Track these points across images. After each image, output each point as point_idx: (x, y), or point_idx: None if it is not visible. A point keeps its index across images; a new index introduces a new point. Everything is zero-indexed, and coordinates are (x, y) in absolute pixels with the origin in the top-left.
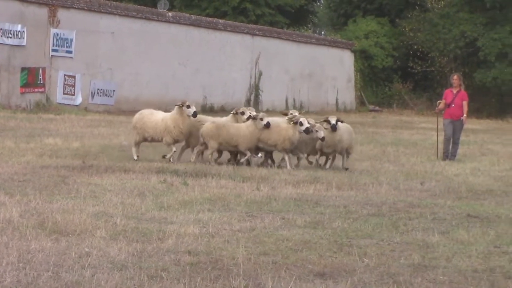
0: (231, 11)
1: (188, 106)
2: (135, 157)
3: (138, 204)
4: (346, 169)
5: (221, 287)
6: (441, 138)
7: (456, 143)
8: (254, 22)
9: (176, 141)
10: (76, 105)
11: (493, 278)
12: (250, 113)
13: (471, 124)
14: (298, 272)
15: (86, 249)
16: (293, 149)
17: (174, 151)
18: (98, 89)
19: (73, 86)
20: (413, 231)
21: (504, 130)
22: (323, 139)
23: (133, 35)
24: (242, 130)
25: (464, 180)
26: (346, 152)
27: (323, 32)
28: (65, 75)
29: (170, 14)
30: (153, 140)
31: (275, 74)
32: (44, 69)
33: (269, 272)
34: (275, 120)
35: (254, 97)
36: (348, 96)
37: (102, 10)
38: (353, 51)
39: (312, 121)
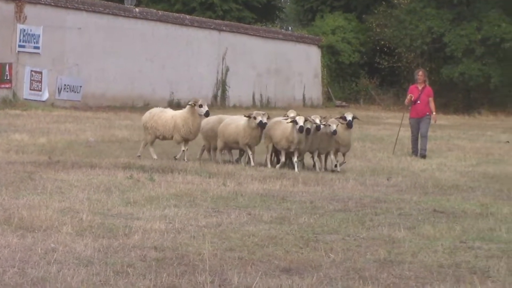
0: (198, 7)
1: (201, 106)
2: (155, 157)
3: (105, 200)
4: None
5: (187, 282)
6: (408, 133)
7: (424, 137)
8: (221, 17)
9: (185, 140)
10: (43, 101)
11: (459, 273)
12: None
13: (438, 119)
14: (264, 267)
15: (52, 245)
16: (302, 149)
17: (183, 151)
18: (64, 84)
19: (40, 82)
20: (379, 226)
21: (470, 126)
22: (334, 132)
23: (100, 30)
24: (239, 127)
25: (431, 175)
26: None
27: (290, 28)
28: (31, 70)
29: (137, 9)
30: (164, 138)
31: (242, 69)
32: (10, 65)
33: (235, 267)
34: (277, 119)
35: (221, 93)
36: (315, 91)
37: (69, 6)
38: (320, 47)
39: (317, 118)
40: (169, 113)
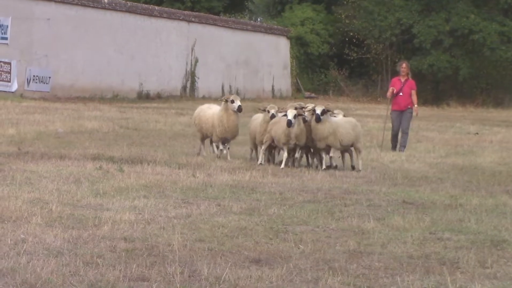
0: None
1: (232, 101)
2: (204, 154)
3: (74, 191)
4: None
5: (157, 273)
6: (378, 125)
7: (405, 133)
8: (190, 8)
9: (222, 140)
10: (12, 92)
11: (428, 264)
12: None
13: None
14: (233, 258)
15: (22, 236)
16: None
17: (221, 150)
18: (33, 75)
19: (9, 72)
20: (349, 217)
21: (439, 117)
22: (288, 123)
23: (68, 21)
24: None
25: (400, 167)
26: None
27: (259, 19)
28: (0, 61)
29: (106, 0)
30: (208, 136)
31: (211, 61)
32: None
33: (204, 258)
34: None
35: (190, 84)
36: (284, 83)
37: None
38: (289, 38)
39: (319, 108)
40: (211, 111)
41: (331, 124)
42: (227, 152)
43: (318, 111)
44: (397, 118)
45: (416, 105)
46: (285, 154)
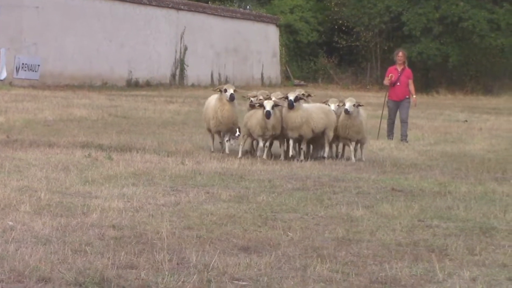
0: None
1: (225, 90)
2: (212, 149)
3: (63, 179)
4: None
5: (145, 261)
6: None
7: (405, 122)
8: None
9: (217, 132)
10: (1, 80)
11: (417, 251)
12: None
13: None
14: (222, 246)
15: (10, 223)
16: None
17: (220, 142)
18: (23, 63)
19: None
20: (338, 205)
21: (428, 105)
22: (267, 114)
23: (57, 9)
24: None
25: (389, 154)
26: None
27: (248, 7)
28: None
29: None
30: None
31: (200, 48)
32: None
33: (193, 246)
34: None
35: (179, 72)
36: (274, 70)
37: None
38: (278, 26)
39: (293, 95)
40: (212, 102)
41: (304, 112)
42: (226, 146)
43: (291, 97)
44: (394, 108)
45: (414, 95)
46: (260, 145)
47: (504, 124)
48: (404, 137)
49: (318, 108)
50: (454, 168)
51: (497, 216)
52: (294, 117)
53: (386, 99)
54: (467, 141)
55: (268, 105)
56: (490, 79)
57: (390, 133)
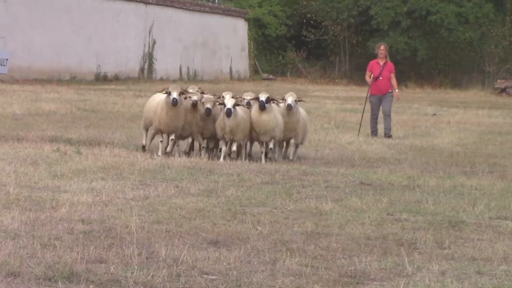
0: None
1: (169, 93)
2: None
3: (31, 173)
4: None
5: (114, 255)
6: (335, 106)
7: (387, 115)
8: None
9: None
10: None
11: (386, 245)
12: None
13: (364, 92)
14: (191, 240)
15: None
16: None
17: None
18: None
19: None
20: (307, 199)
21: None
22: (227, 112)
23: (25, 2)
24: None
25: (358, 148)
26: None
27: (216, 1)
28: None
29: None
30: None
31: (169, 42)
32: None
33: (162, 240)
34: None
35: (148, 66)
36: (242, 64)
37: None
38: (247, 20)
39: (264, 96)
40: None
41: (275, 114)
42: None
43: (263, 98)
44: (376, 102)
45: (397, 90)
46: (223, 148)
47: (473, 118)
48: (387, 131)
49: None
50: (422, 162)
51: (466, 210)
52: (267, 120)
53: (368, 94)
54: (436, 135)
55: (229, 103)
56: (459, 73)
57: (374, 130)
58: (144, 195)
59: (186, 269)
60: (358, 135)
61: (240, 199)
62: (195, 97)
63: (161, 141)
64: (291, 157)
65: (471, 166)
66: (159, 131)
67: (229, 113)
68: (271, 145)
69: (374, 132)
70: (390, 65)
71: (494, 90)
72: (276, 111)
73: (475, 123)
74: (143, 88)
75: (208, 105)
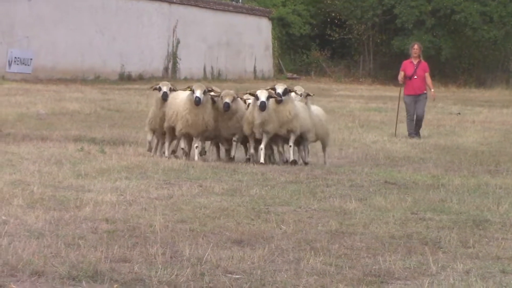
0: None
1: (160, 89)
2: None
3: (55, 172)
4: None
5: (138, 254)
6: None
7: (420, 120)
8: None
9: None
10: None
11: (410, 244)
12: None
13: (388, 91)
14: (215, 239)
15: (3, 217)
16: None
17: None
18: (15, 57)
19: None
20: (331, 198)
21: None
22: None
23: (50, 2)
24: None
25: (382, 147)
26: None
27: (240, 0)
28: None
29: None
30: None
31: (193, 42)
32: None
33: (186, 239)
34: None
35: (172, 66)
36: (266, 64)
37: None
38: (271, 19)
39: (281, 87)
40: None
41: (294, 105)
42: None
43: (279, 89)
44: (411, 103)
45: (432, 89)
46: (261, 146)
47: (497, 117)
48: (417, 134)
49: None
50: (447, 161)
51: (491, 209)
52: (284, 111)
53: (402, 94)
54: (460, 134)
55: (262, 95)
56: (483, 72)
57: (411, 131)
58: (168, 194)
59: (210, 268)
60: (395, 135)
61: (264, 198)
62: (226, 99)
63: (196, 146)
64: (291, 158)
65: (495, 165)
66: (182, 135)
67: (263, 106)
68: (290, 143)
69: (411, 134)
70: (424, 64)
71: None
72: (296, 103)
73: (500, 122)
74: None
75: (227, 99)
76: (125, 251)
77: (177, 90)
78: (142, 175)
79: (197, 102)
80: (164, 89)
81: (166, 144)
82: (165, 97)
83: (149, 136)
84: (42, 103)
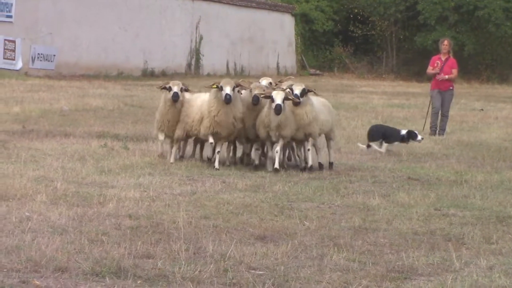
0: None
1: (170, 89)
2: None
3: (79, 169)
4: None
5: (162, 250)
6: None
7: (445, 116)
8: None
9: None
10: (17, 70)
11: (434, 240)
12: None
13: (411, 87)
14: (239, 235)
15: (27, 214)
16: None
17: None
18: (38, 53)
19: (13, 51)
20: (354, 194)
21: None
22: (226, 99)
23: None
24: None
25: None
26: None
27: None
28: (5, 39)
29: None
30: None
31: (216, 38)
32: None
33: (209, 235)
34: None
35: (195, 62)
36: (289, 60)
37: None
38: (294, 15)
39: (299, 88)
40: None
41: (313, 107)
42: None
43: (297, 91)
44: (437, 96)
45: (447, 76)
46: (277, 148)
47: None
48: (442, 131)
49: (322, 105)
50: (470, 157)
51: None
52: (302, 114)
53: (430, 90)
54: (483, 130)
55: (278, 97)
56: (506, 68)
57: (433, 125)
58: (191, 190)
59: (234, 264)
60: (423, 129)
61: (287, 195)
62: (256, 91)
63: (218, 151)
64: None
65: None
66: (208, 137)
67: (278, 110)
68: (308, 146)
69: (433, 129)
70: (452, 60)
71: None
72: (315, 102)
73: None
74: (190, 83)
75: (256, 92)
76: (149, 247)
77: (189, 90)
78: (165, 171)
79: (228, 100)
80: (175, 89)
81: (174, 149)
82: (175, 98)
83: (161, 136)
84: (65, 99)
